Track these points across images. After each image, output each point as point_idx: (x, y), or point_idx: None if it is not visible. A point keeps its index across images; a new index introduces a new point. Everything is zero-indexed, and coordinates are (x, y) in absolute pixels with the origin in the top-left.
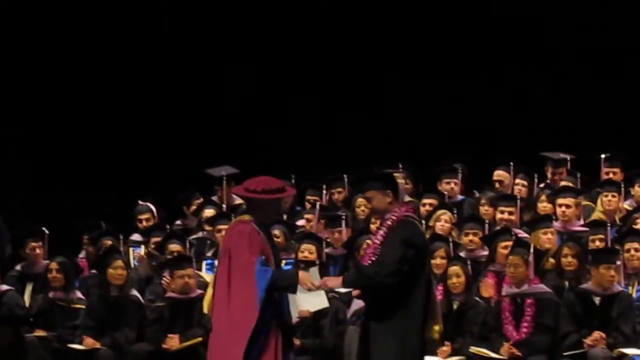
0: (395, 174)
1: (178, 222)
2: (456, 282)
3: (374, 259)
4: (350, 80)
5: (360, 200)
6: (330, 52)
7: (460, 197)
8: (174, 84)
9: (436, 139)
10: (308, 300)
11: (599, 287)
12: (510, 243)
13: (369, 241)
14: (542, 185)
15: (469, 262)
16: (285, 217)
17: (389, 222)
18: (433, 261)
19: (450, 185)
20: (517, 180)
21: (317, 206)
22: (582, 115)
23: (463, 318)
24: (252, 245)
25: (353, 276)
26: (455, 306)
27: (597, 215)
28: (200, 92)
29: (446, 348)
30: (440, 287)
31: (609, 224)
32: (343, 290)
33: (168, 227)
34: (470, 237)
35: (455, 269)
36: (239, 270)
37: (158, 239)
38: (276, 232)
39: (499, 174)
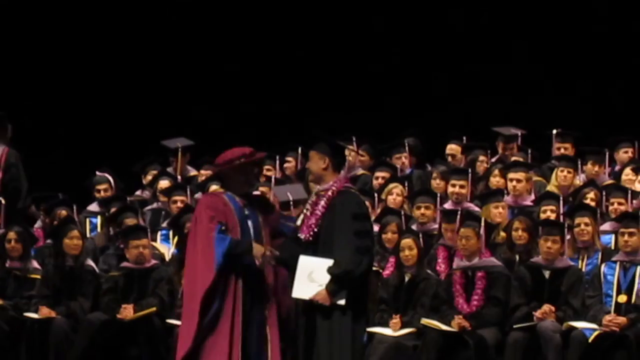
0: (349, 146)
1: (138, 192)
2: (408, 254)
3: (315, 230)
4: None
5: None
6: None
7: (409, 169)
8: (131, 53)
9: (391, 112)
10: (301, 287)
11: (548, 261)
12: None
13: (305, 211)
14: (493, 160)
15: (421, 235)
16: None
17: (329, 193)
18: (384, 235)
19: (401, 160)
20: (481, 157)
21: (272, 179)
22: (534, 90)
23: (414, 290)
24: (212, 215)
25: (335, 285)
26: (407, 278)
27: (550, 189)
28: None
29: (396, 320)
30: (392, 260)
31: (561, 197)
32: (338, 302)
33: (128, 198)
34: (423, 210)
35: (407, 241)
36: (199, 239)
37: (115, 210)
38: None
39: (451, 147)
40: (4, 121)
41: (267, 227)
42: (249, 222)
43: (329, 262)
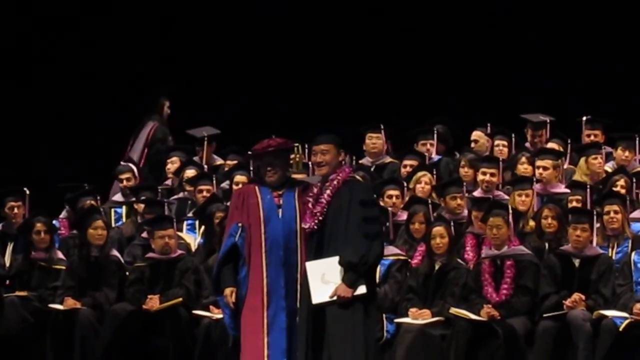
0: (375, 134)
1: (167, 182)
2: (440, 242)
3: (321, 218)
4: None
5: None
6: None
7: (436, 157)
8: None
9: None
10: (319, 292)
11: (577, 249)
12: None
13: (309, 199)
14: (526, 146)
15: (452, 224)
16: None
17: (335, 183)
18: (412, 225)
19: (426, 147)
20: (497, 142)
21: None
22: (564, 77)
23: (444, 279)
24: (233, 211)
25: (352, 276)
26: (437, 267)
27: (579, 177)
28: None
29: (415, 310)
30: (420, 248)
31: (588, 186)
32: (359, 292)
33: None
34: (458, 201)
35: (439, 229)
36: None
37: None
38: None
39: (475, 134)
40: (159, 100)
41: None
42: (280, 211)
43: (336, 258)
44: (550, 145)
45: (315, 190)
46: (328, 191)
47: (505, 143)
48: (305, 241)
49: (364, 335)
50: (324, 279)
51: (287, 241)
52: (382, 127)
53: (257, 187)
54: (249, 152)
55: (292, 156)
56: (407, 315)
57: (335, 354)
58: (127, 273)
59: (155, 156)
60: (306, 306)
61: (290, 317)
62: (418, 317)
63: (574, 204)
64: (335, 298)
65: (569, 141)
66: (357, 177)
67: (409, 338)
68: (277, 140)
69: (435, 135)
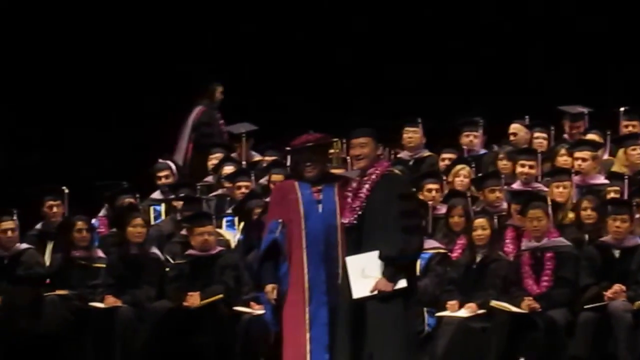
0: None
1: (207, 178)
2: (481, 234)
3: (360, 213)
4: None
5: None
6: None
7: (482, 150)
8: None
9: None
10: (360, 286)
11: (617, 240)
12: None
13: (347, 193)
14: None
15: (495, 217)
16: None
17: (373, 177)
18: (451, 219)
19: (470, 138)
20: (537, 134)
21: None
22: (600, 69)
23: (485, 271)
24: (273, 207)
25: (391, 270)
26: (478, 259)
27: (618, 168)
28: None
29: (453, 303)
30: (460, 242)
31: (626, 177)
32: (399, 286)
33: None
34: (497, 194)
35: (481, 221)
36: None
37: (185, 195)
38: None
39: (514, 127)
40: (209, 85)
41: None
42: (320, 206)
43: (375, 253)
44: (589, 136)
45: (354, 184)
46: (367, 185)
47: (545, 135)
48: (345, 236)
49: (404, 329)
50: (364, 273)
51: (328, 236)
52: (419, 120)
53: (296, 183)
54: (287, 148)
55: (331, 151)
56: (446, 308)
57: (376, 348)
58: (167, 270)
59: (200, 140)
60: (347, 301)
61: (332, 312)
62: (456, 309)
63: (613, 195)
64: (375, 292)
65: (608, 132)
66: (396, 170)
67: (449, 331)
68: (316, 135)
69: (480, 128)
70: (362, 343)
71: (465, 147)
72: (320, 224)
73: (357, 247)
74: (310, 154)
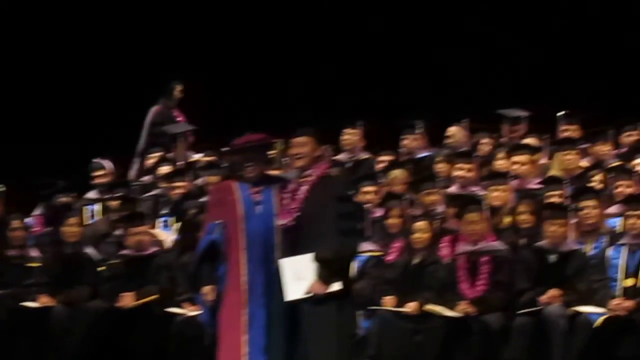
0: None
1: (144, 178)
2: (420, 237)
3: (297, 214)
4: None
5: None
6: None
7: (423, 153)
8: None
9: (394, 95)
10: (294, 288)
11: (553, 245)
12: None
13: (285, 195)
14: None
15: (436, 221)
16: None
17: (311, 178)
18: (388, 220)
19: (408, 141)
20: (481, 139)
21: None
22: (540, 72)
23: (422, 273)
24: (211, 208)
25: (326, 272)
26: (416, 261)
27: (555, 172)
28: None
29: (390, 298)
30: (396, 245)
31: (566, 181)
32: (333, 289)
33: (133, 184)
34: (434, 196)
35: (421, 224)
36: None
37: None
38: None
39: (451, 129)
40: (169, 85)
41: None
42: (258, 209)
43: (311, 255)
44: (527, 140)
45: (292, 186)
46: (305, 187)
47: (488, 140)
48: (282, 237)
49: (338, 332)
50: (299, 275)
51: (267, 238)
52: (358, 123)
53: (234, 184)
54: (228, 148)
55: (271, 152)
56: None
57: (310, 351)
58: (101, 270)
59: (152, 140)
60: (282, 303)
61: (270, 314)
62: (394, 305)
63: (553, 199)
64: (310, 294)
65: (546, 136)
66: (334, 172)
67: (383, 332)
68: (257, 135)
69: (419, 131)
70: (297, 345)
71: (404, 149)
72: (259, 226)
73: (293, 249)
74: (251, 154)
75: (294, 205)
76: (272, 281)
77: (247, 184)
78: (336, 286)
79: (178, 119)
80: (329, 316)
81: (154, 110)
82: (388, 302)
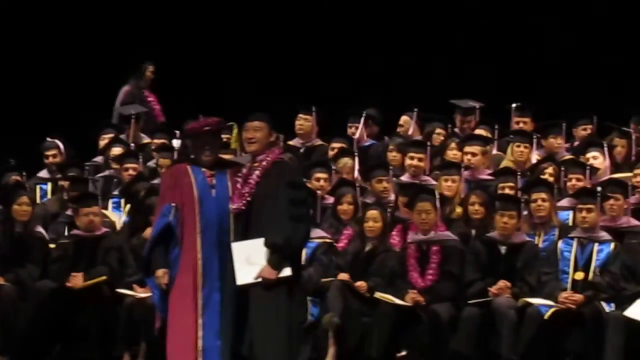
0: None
1: (96, 159)
2: (373, 226)
3: (249, 199)
4: None
5: None
6: None
7: (369, 141)
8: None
9: (349, 82)
10: (244, 273)
11: (504, 236)
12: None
13: (238, 179)
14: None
15: (388, 210)
16: None
17: (263, 164)
18: (340, 207)
19: (352, 130)
20: (436, 129)
21: None
22: (495, 63)
23: (373, 261)
24: (165, 191)
25: (276, 258)
26: (367, 248)
27: (506, 164)
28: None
29: (343, 275)
30: (346, 232)
31: (518, 173)
32: (283, 274)
33: (86, 164)
34: (384, 184)
35: (373, 213)
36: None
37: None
38: None
39: (403, 119)
40: (140, 66)
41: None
42: (213, 191)
43: (261, 240)
44: (478, 131)
45: (244, 170)
46: (257, 172)
47: (441, 131)
48: (233, 221)
49: (287, 318)
50: (250, 260)
51: (221, 221)
52: (313, 109)
53: (188, 167)
54: (183, 131)
55: (227, 136)
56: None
57: (258, 337)
58: (51, 250)
59: (122, 120)
60: (232, 287)
61: (224, 298)
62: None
63: (507, 191)
64: (259, 280)
65: (496, 127)
66: (287, 159)
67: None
68: (213, 119)
69: (362, 119)
70: (245, 330)
71: (355, 137)
72: (214, 209)
73: (245, 234)
74: (208, 138)
75: (245, 190)
76: (227, 265)
77: (201, 168)
78: (286, 272)
79: (149, 99)
80: (279, 301)
81: (124, 90)
82: (342, 277)
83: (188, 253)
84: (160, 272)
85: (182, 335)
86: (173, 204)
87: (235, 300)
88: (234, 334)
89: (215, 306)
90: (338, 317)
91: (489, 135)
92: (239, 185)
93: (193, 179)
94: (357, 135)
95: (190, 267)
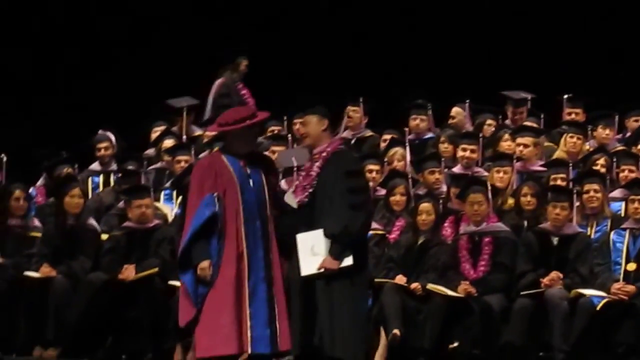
0: (354, 107)
1: (148, 151)
2: (426, 219)
3: (311, 191)
4: None
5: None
6: None
7: (428, 134)
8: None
9: (398, 75)
10: (308, 264)
11: (556, 227)
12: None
13: (300, 174)
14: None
15: (440, 202)
16: None
17: (323, 154)
18: (392, 197)
19: (416, 122)
20: (487, 120)
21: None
22: (545, 55)
23: (426, 254)
24: (204, 180)
25: (337, 248)
26: (420, 241)
27: (559, 155)
28: None
29: (401, 276)
30: (398, 223)
31: (570, 164)
32: (345, 264)
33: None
34: (436, 175)
35: (426, 205)
36: (189, 206)
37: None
38: None
39: (454, 110)
40: (235, 57)
41: (269, 186)
42: (251, 181)
43: (322, 230)
44: (529, 122)
45: (307, 164)
46: (317, 163)
47: (492, 122)
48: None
49: (350, 308)
50: (313, 251)
51: (261, 211)
52: (361, 100)
53: (223, 156)
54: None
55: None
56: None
57: (325, 328)
58: (103, 242)
59: (217, 111)
60: (297, 278)
61: (269, 287)
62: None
63: (559, 182)
64: (322, 270)
65: (543, 118)
66: (345, 149)
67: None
68: (245, 110)
69: (428, 112)
70: (313, 322)
71: (411, 129)
72: (253, 198)
73: (309, 225)
74: (246, 129)
75: (307, 182)
76: (270, 254)
77: (234, 157)
78: (348, 261)
79: (242, 92)
80: (342, 292)
81: (218, 82)
82: (398, 280)
83: (232, 243)
84: (205, 263)
85: (227, 326)
86: (215, 194)
87: (302, 291)
88: (303, 326)
89: (262, 296)
90: (398, 327)
91: (536, 126)
92: (301, 178)
93: (231, 168)
94: (423, 127)
95: (234, 257)
